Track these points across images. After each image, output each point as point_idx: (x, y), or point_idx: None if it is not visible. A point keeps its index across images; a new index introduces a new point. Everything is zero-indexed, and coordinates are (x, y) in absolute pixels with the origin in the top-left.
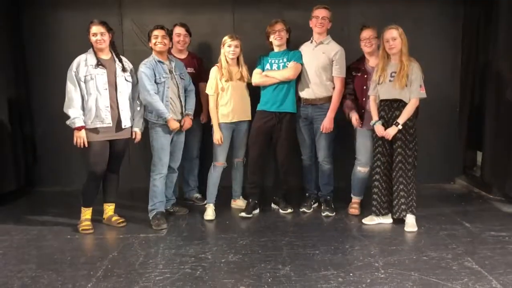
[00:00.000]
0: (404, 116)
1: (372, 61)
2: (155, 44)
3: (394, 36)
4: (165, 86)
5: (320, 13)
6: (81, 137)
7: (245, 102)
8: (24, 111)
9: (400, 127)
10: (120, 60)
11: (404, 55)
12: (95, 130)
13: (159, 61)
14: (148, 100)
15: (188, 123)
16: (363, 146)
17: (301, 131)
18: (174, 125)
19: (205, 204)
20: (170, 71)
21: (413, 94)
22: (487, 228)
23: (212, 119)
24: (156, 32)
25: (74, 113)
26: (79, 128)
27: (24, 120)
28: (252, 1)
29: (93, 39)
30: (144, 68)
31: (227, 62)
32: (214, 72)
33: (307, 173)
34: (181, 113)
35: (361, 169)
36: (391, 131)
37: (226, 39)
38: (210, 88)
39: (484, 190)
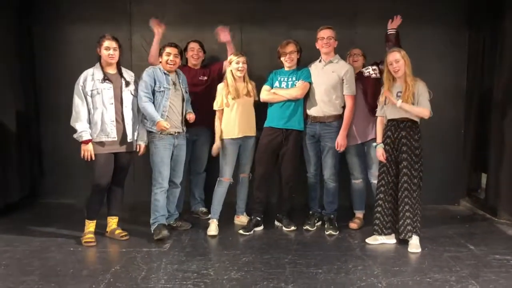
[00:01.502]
0: (408, 107)
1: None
2: (166, 62)
3: (397, 58)
4: (164, 96)
5: (325, 34)
6: (88, 151)
7: (250, 118)
8: (32, 124)
9: (399, 103)
10: (123, 76)
11: (408, 76)
12: (100, 144)
13: (164, 72)
14: (140, 105)
15: (192, 117)
16: (351, 161)
17: (308, 148)
18: (162, 124)
19: (209, 219)
20: (174, 83)
21: (424, 106)
22: (491, 251)
23: (216, 130)
24: (169, 50)
25: (81, 126)
26: (86, 142)
27: (32, 132)
28: (259, 20)
29: (105, 52)
30: (144, 75)
31: (234, 79)
32: (220, 88)
33: (311, 191)
34: (179, 126)
35: (354, 181)
36: (395, 101)
37: (233, 57)
38: (216, 103)
39: (488, 213)
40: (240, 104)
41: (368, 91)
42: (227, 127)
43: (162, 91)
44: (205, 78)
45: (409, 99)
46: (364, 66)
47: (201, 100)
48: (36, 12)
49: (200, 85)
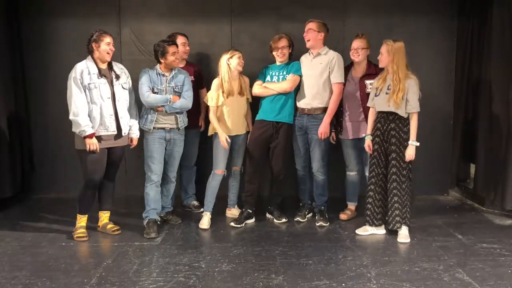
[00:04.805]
0: (414, 132)
1: (357, 71)
2: (173, 61)
3: (381, 51)
4: None
5: (307, 27)
6: (93, 144)
7: (242, 117)
8: (22, 118)
9: (417, 144)
10: (112, 69)
11: (393, 70)
12: (97, 138)
13: (160, 74)
14: (147, 101)
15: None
16: (346, 154)
17: (296, 140)
18: (175, 97)
19: (202, 212)
20: (167, 82)
21: (413, 109)
22: (479, 240)
23: (214, 126)
24: (173, 49)
25: (83, 121)
26: (90, 136)
27: (22, 127)
28: (249, 13)
29: (106, 48)
30: (142, 74)
31: (230, 76)
32: (216, 84)
33: (301, 183)
34: (172, 123)
35: (349, 173)
36: (411, 151)
37: (234, 53)
38: (211, 99)
39: (477, 202)
40: (233, 103)
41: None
42: (220, 124)
43: (156, 92)
44: (192, 78)
45: (394, 95)
46: (368, 57)
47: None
48: (23, 6)
49: None
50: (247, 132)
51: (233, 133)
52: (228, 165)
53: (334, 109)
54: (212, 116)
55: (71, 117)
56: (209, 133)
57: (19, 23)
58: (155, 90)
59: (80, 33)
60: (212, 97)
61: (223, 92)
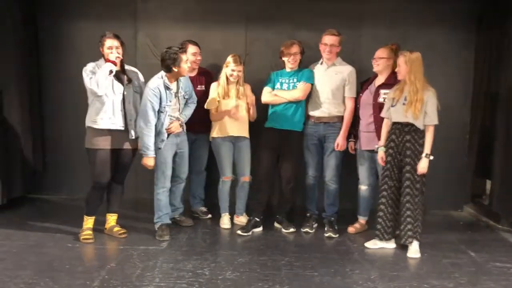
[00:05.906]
0: (429, 145)
1: (378, 80)
2: (185, 69)
3: (398, 62)
4: (166, 114)
5: (329, 41)
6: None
7: (240, 119)
8: (36, 120)
9: (431, 157)
10: (125, 73)
11: (410, 81)
12: (104, 138)
13: (167, 87)
14: (144, 130)
15: (175, 127)
16: (360, 165)
17: (309, 149)
18: (149, 162)
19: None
20: (175, 94)
21: (431, 121)
22: (492, 259)
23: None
24: (186, 57)
25: (99, 72)
26: (114, 63)
27: (35, 128)
28: (265, 20)
29: (107, 52)
30: (151, 96)
31: (227, 81)
32: (214, 88)
33: (309, 191)
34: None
35: (360, 187)
36: (424, 164)
37: (231, 63)
38: (209, 103)
39: (492, 219)
40: (230, 106)
41: (379, 118)
42: (219, 124)
43: (166, 110)
44: (203, 88)
45: (412, 106)
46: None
47: (199, 109)
48: (42, 8)
49: (198, 95)
50: (249, 139)
51: (231, 133)
52: (234, 173)
53: (349, 122)
54: (213, 114)
55: (91, 85)
56: (211, 135)
57: (36, 25)
58: (166, 108)
59: (96, 36)
60: (211, 102)
61: (218, 94)
